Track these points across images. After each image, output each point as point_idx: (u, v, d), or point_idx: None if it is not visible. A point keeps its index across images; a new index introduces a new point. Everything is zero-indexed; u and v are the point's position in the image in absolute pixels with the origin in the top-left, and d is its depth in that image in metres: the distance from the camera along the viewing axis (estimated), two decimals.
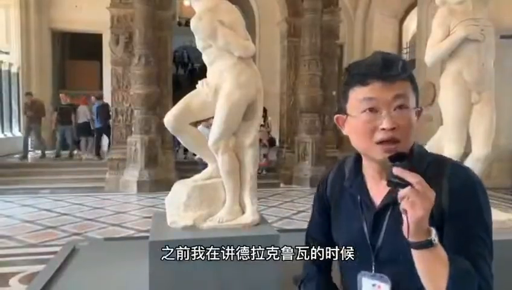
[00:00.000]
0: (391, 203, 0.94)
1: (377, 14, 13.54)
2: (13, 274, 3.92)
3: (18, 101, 11.71)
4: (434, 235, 0.82)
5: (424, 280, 0.86)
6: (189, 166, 8.32)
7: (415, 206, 0.80)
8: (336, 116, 1.03)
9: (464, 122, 3.29)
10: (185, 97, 3.41)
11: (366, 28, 13.79)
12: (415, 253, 0.84)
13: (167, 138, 8.63)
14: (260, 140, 8.48)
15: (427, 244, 0.82)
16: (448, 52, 3.27)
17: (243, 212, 3.36)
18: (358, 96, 0.95)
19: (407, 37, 13.80)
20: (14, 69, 11.62)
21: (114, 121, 8.72)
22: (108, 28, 8.61)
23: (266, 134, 9.56)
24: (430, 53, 3.35)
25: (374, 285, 0.98)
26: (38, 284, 3.35)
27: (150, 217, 6.07)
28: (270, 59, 10.90)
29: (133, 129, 8.44)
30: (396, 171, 0.83)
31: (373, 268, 0.97)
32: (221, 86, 3.25)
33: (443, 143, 3.38)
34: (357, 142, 0.98)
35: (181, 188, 3.36)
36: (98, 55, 12.75)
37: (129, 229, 5.63)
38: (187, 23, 21.54)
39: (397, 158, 0.87)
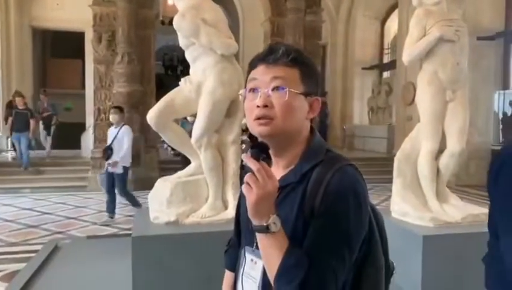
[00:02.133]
0: (281, 187, 0.97)
1: (359, 15, 13.73)
2: None
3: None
4: (272, 223, 0.88)
5: (263, 260, 0.94)
6: (173, 165, 8.32)
7: (250, 191, 0.87)
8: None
9: (439, 120, 3.40)
10: (167, 94, 3.45)
11: (348, 29, 13.96)
12: (256, 235, 0.92)
13: (150, 137, 8.61)
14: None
15: (263, 230, 0.89)
16: (425, 52, 3.38)
17: (226, 208, 3.41)
18: (248, 79, 1.03)
19: (388, 38, 14.03)
20: None
21: (96, 119, 8.65)
22: (91, 26, 8.54)
23: None
24: (407, 52, 3.45)
25: (251, 260, 1.05)
26: (20, 282, 3.34)
27: (132, 216, 6.09)
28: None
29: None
30: (244, 156, 0.91)
31: (254, 245, 1.02)
32: (204, 83, 3.29)
33: (420, 140, 3.50)
34: (246, 119, 1.04)
35: (164, 185, 3.39)
36: (80, 54, 12.60)
37: (112, 228, 5.62)
38: (170, 22, 21.50)
39: (258, 147, 0.93)
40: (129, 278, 3.04)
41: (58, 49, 14.38)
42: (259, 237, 0.91)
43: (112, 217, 5.83)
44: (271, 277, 0.91)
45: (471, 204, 3.72)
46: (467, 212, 3.32)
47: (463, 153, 3.39)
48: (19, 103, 9.00)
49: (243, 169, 1.21)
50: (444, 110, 3.40)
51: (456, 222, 3.24)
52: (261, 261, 1.00)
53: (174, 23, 3.25)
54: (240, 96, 1.08)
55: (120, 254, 3.85)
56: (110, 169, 5.53)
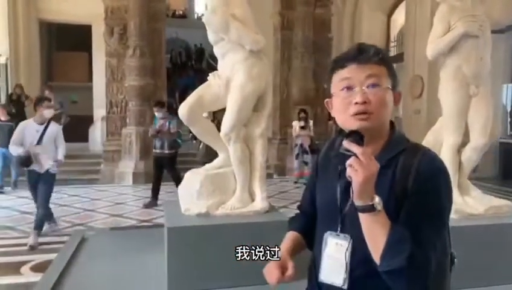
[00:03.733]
0: None
1: (366, 8, 13.71)
2: (23, 263, 3.96)
3: (7, 92, 11.52)
4: (377, 203, 0.97)
5: (367, 239, 1.01)
6: (184, 157, 8.40)
7: (357, 173, 0.95)
8: (325, 100, 1.20)
9: (463, 114, 3.47)
10: (197, 89, 3.52)
11: (355, 22, 13.95)
12: (360, 216, 0.99)
13: None
14: (301, 145, 8.26)
15: (369, 209, 0.97)
16: (449, 47, 3.44)
17: (253, 200, 3.50)
18: (338, 78, 1.12)
19: (394, 31, 14.03)
20: (2, 60, 11.41)
21: (109, 112, 8.71)
22: (99, 19, 8.56)
23: (308, 139, 8.29)
24: (432, 47, 3.51)
25: (337, 243, 1.12)
26: (54, 274, 3.42)
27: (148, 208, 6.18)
28: (263, 51, 10.97)
29: (127, 121, 8.46)
30: (345, 143, 1.00)
31: (339, 229, 1.11)
32: (232, 78, 3.36)
33: (443, 133, 3.57)
34: (338, 116, 1.13)
35: (194, 177, 3.47)
36: (86, 47, 12.60)
37: (130, 219, 5.70)
38: (173, 15, 21.42)
39: (354, 136, 1.01)
40: (161, 268, 3.14)
41: (64, 42, 14.36)
42: (364, 217, 0.99)
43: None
44: (376, 253, 0.99)
45: (491, 196, 3.80)
46: (489, 205, 3.40)
47: (486, 147, 3.47)
48: (2, 113, 7.53)
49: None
50: (468, 104, 3.47)
51: (479, 214, 3.33)
52: (346, 243, 1.09)
53: (204, 18, 3.31)
54: (327, 99, 1.18)
55: (147, 244, 3.96)
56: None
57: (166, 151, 6.32)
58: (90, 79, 12.66)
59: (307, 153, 8.29)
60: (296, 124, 8.32)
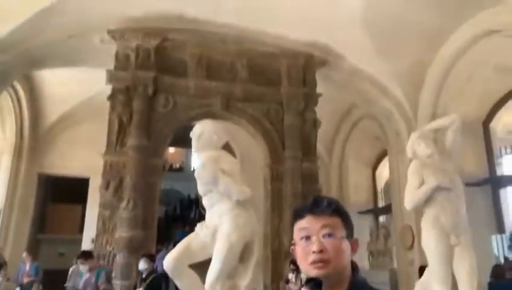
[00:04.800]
0: None
1: (351, 162, 14.61)
2: None
3: None
4: None
5: None
6: None
7: None
8: (291, 248, 1.29)
9: (447, 263, 3.50)
10: (183, 240, 3.58)
11: (341, 175, 14.69)
12: None
13: None
14: None
15: None
16: (424, 199, 3.67)
17: None
18: (298, 227, 1.23)
19: (381, 183, 14.67)
20: None
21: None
22: (98, 172, 8.96)
23: None
24: (409, 199, 3.73)
25: None
26: None
27: None
28: (250, 203, 11.23)
29: (113, 275, 8.16)
30: (304, 289, 1.08)
31: None
32: (219, 228, 3.46)
33: (431, 284, 3.53)
34: (300, 264, 1.21)
35: None
36: (81, 199, 12.86)
37: None
38: (170, 169, 22.47)
39: (312, 283, 1.09)
40: None
41: (59, 194, 14.70)
42: None
43: None
44: None
45: None
46: None
47: None
48: None
49: None
50: (451, 253, 3.53)
51: None
52: None
53: (195, 172, 3.57)
54: (292, 246, 1.27)
55: None
56: None
57: None
58: (81, 231, 12.62)
59: None
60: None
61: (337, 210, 1.22)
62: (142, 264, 6.07)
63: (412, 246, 9.91)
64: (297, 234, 1.23)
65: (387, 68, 9.09)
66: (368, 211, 14.37)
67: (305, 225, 1.20)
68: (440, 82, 8.62)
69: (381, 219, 14.38)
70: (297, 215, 1.25)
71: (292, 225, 1.27)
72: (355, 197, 14.35)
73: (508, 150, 9.00)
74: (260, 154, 10.80)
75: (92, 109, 11.32)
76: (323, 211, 1.20)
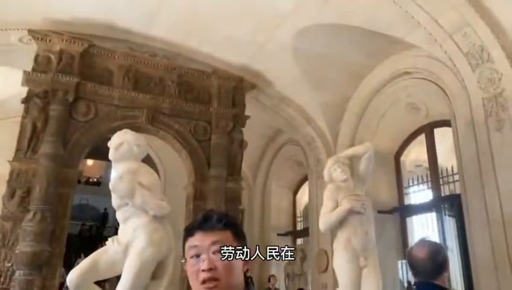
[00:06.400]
0: None
1: (274, 185, 14.91)
2: None
3: None
4: None
5: None
6: None
7: None
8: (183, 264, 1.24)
9: (356, 284, 3.67)
10: (92, 255, 3.36)
11: (264, 196, 14.92)
12: None
13: None
14: None
15: None
16: (337, 221, 3.84)
17: None
18: (188, 245, 1.18)
19: (300, 207, 15.12)
20: None
21: None
22: (2, 181, 8.19)
23: None
24: (323, 221, 3.89)
25: None
26: None
27: None
28: (174, 220, 10.94)
29: None
30: None
31: None
32: (132, 243, 3.31)
33: None
34: (191, 284, 1.15)
35: None
36: None
37: None
38: (87, 182, 21.19)
39: None
40: None
41: None
42: None
43: None
44: None
45: None
46: None
47: None
48: None
49: None
50: (359, 275, 3.71)
51: None
52: None
53: (110, 184, 3.40)
54: (183, 264, 1.22)
55: None
56: None
57: None
58: None
59: None
60: None
61: (227, 224, 1.18)
62: None
63: (326, 270, 10.25)
64: (187, 253, 1.17)
65: (313, 98, 9.55)
66: (286, 233, 14.66)
67: (194, 242, 1.15)
68: (358, 115, 9.24)
69: (299, 241, 14.74)
70: (188, 233, 1.19)
71: (183, 244, 1.22)
72: (277, 220, 14.60)
73: (415, 182, 9.78)
74: (184, 171, 10.63)
75: (3, 112, 10.40)
76: (213, 226, 1.15)
